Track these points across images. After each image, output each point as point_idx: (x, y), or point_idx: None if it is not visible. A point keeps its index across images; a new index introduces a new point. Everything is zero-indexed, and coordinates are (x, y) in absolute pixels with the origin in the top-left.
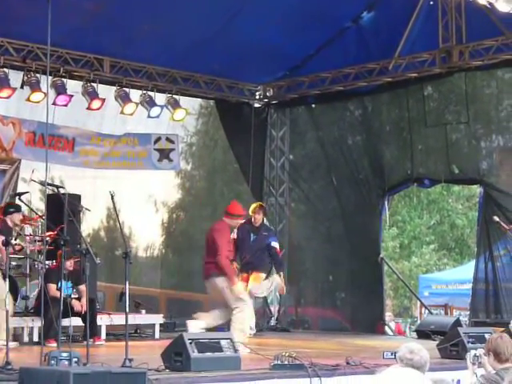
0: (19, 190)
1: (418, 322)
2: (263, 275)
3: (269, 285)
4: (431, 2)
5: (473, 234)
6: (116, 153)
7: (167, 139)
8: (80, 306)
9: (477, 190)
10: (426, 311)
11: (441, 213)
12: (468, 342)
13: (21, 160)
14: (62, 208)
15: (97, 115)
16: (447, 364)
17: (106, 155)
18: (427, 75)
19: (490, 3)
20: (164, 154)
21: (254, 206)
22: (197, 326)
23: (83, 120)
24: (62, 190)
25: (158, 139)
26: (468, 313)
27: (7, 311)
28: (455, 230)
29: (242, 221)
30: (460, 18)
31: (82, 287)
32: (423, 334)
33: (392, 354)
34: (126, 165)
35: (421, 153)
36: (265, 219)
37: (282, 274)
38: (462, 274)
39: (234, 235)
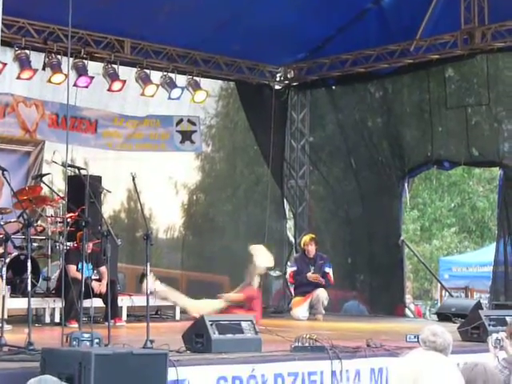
0: (43, 171)
1: (438, 304)
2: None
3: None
4: None
5: (494, 216)
6: (139, 135)
7: (189, 121)
8: (99, 287)
9: (498, 172)
10: (447, 294)
11: (462, 195)
12: (489, 324)
13: (45, 141)
14: (83, 189)
15: (119, 97)
16: (468, 347)
17: (129, 137)
18: (449, 57)
19: None
20: (186, 136)
21: (305, 238)
22: None
23: (105, 102)
24: (82, 172)
25: (180, 121)
26: (488, 295)
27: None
28: (476, 213)
29: None
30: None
31: (103, 269)
32: (444, 316)
33: (415, 337)
34: (149, 147)
35: (441, 135)
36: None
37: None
38: (482, 257)
39: (293, 268)
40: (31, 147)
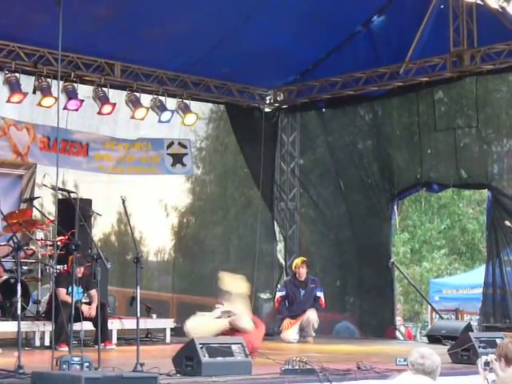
0: (35, 194)
1: (429, 326)
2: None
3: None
4: (442, 6)
5: (484, 238)
6: (130, 158)
7: (179, 144)
8: (89, 310)
9: (487, 194)
10: (437, 316)
11: (451, 217)
12: (479, 346)
13: (36, 165)
14: (74, 213)
15: (109, 120)
16: (458, 369)
17: (121, 160)
18: (438, 79)
19: (502, 7)
20: (177, 159)
21: (296, 261)
22: None
23: (96, 125)
24: (73, 195)
25: (171, 144)
26: (478, 317)
27: None
28: (466, 235)
29: None
30: (471, 22)
31: (93, 292)
32: (434, 338)
33: (405, 360)
34: (140, 170)
35: (430, 157)
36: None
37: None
38: (472, 279)
39: (281, 293)
40: (23, 170)
